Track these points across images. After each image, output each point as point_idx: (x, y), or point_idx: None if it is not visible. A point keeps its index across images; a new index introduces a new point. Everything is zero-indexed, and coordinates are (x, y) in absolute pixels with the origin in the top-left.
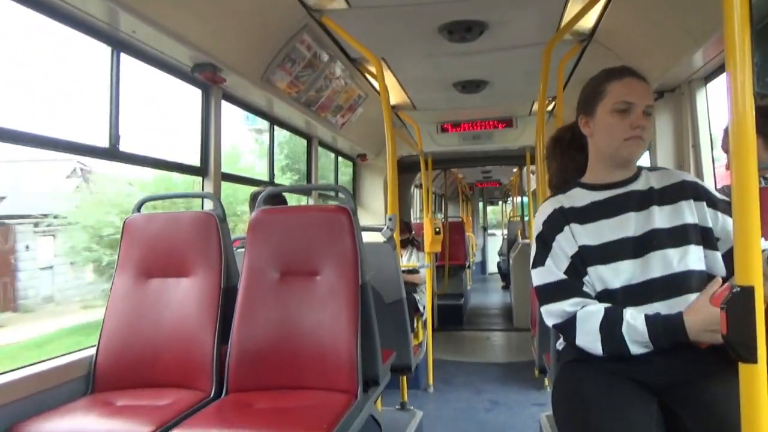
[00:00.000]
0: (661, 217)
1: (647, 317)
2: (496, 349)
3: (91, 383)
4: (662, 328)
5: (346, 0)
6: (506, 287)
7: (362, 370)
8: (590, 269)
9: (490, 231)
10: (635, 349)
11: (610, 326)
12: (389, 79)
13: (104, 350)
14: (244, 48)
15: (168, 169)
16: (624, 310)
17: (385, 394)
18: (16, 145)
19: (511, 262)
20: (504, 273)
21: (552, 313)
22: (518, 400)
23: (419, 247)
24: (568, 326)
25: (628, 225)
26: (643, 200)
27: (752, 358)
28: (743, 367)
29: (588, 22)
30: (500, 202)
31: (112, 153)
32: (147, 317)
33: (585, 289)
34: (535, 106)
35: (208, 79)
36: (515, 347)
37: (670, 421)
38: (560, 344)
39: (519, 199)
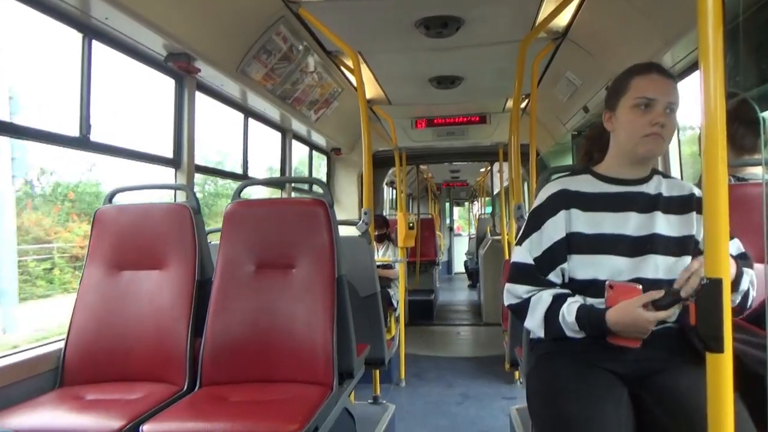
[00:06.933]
0: (664, 224)
1: (579, 309)
2: (467, 344)
3: (59, 377)
4: (587, 321)
5: None
6: (472, 286)
7: (337, 363)
8: (576, 257)
9: (455, 231)
10: (572, 335)
11: (552, 315)
12: (365, 73)
13: (73, 343)
14: (220, 38)
15: (140, 161)
16: (567, 301)
17: (358, 388)
18: None
19: (480, 258)
20: (471, 272)
21: (511, 292)
22: (488, 394)
23: (396, 243)
24: (521, 309)
25: (628, 223)
26: (649, 204)
27: (719, 348)
28: (710, 357)
29: (562, 20)
30: (466, 203)
31: (83, 143)
32: (118, 310)
33: (551, 278)
34: (509, 103)
35: (182, 69)
36: (485, 342)
37: (640, 410)
38: (534, 336)
39: (485, 199)
